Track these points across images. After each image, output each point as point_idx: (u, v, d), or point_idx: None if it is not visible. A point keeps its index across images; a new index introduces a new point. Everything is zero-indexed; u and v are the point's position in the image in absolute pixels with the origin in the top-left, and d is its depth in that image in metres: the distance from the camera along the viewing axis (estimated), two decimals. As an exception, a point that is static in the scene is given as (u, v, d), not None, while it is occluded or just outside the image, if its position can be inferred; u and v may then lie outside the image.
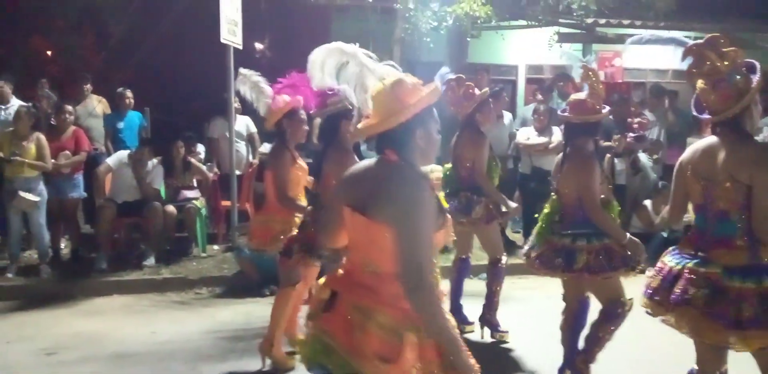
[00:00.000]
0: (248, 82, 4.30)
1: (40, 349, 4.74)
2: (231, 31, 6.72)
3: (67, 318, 5.45)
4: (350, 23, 9.29)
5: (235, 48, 6.85)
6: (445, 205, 2.29)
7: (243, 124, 7.68)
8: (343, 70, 2.21)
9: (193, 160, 7.16)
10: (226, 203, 7.22)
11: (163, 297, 6.04)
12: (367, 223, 2.09)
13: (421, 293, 1.99)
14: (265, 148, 8.15)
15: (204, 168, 7.27)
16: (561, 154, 3.93)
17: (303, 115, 4.21)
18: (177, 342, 4.86)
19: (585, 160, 3.70)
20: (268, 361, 4.34)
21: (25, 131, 6.28)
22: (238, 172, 7.24)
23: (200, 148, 7.67)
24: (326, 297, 2.19)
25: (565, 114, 3.78)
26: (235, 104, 7.24)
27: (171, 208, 6.81)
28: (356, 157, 3.81)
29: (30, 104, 6.96)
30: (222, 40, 6.62)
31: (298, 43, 11.07)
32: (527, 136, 7.39)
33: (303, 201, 4.22)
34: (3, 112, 7.08)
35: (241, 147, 7.65)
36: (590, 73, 3.74)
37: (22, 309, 5.69)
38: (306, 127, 4.25)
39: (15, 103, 7.10)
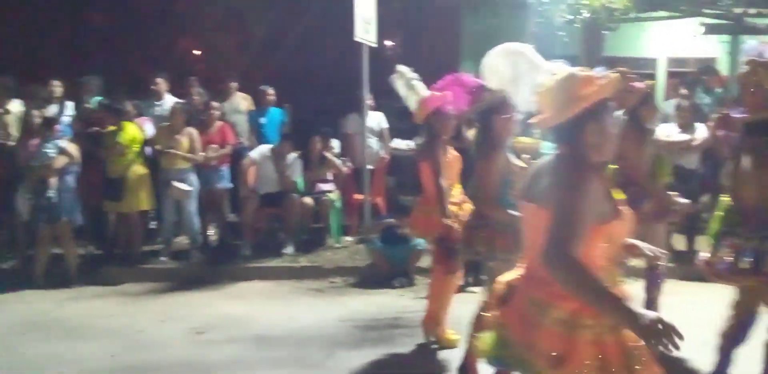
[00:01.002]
0: (403, 78, 4.50)
1: (190, 328, 5.05)
2: (365, 29, 6.88)
3: (214, 300, 5.81)
4: (480, 19, 9.22)
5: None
6: (619, 197, 2.19)
7: (375, 120, 7.80)
8: (515, 70, 2.24)
9: (328, 155, 7.37)
10: (359, 196, 7.41)
11: (300, 284, 6.29)
12: (535, 211, 2.11)
13: (559, 267, 1.93)
14: (396, 143, 8.28)
15: (339, 162, 7.44)
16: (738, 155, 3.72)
17: (450, 111, 4.35)
18: (313, 328, 5.05)
19: (764, 159, 3.49)
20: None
21: (179, 126, 6.73)
22: (370, 167, 7.41)
23: (335, 143, 7.86)
24: (505, 291, 2.22)
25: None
26: (368, 101, 7.41)
27: (308, 200, 7.07)
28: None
29: (184, 101, 7.45)
30: (356, 39, 6.80)
31: (427, 39, 11.17)
32: (668, 132, 7.04)
33: (458, 189, 4.36)
34: (158, 108, 7.57)
35: (373, 142, 7.73)
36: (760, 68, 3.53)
37: (174, 291, 6.13)
38: (453, 122, 4.40)
39: (168, 99, 7.57)
